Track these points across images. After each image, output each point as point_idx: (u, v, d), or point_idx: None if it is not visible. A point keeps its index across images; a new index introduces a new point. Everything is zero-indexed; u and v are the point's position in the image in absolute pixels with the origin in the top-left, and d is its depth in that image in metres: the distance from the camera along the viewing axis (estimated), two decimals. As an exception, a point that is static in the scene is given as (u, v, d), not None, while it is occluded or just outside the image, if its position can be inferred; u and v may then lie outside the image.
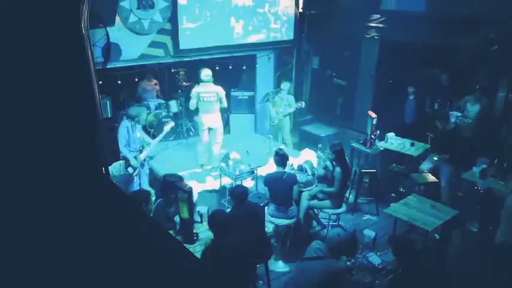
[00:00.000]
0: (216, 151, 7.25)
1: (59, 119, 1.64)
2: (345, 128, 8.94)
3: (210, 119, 7.10)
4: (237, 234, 4.04)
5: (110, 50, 4.37)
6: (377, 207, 6.67)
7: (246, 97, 9.04)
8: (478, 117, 7.02)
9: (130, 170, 6.05)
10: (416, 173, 6.53)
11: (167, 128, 6.66)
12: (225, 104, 7.26)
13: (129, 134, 6.05)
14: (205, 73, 7.00)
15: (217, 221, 3.98)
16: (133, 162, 6.05)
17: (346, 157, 6.07)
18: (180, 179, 5.02)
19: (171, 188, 4.71)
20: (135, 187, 6.34)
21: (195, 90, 7.06)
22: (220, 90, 7.07)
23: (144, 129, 7.17)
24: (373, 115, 7.07)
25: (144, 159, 6.31)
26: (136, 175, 6.20)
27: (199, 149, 7.32)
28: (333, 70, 9.35)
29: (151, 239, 1.70)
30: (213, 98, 6.99)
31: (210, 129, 7.17)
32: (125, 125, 6.03)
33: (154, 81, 8.48)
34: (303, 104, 8.10)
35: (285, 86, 7.98)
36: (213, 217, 4.03)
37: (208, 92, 7.00)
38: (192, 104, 7.08)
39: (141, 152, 6.20)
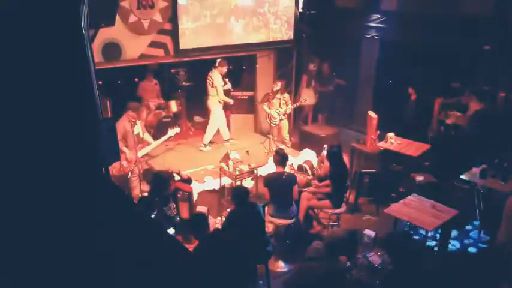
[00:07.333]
0: (209, 132, 7.83)
1: (59, 119, 1.64)
2: (345, 128, 8.94)
3: (207, 101, 7.76)
4: (238, 234, 4.05)
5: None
6: (377, 207, 6.66)
7: (246, 97, 9.05)
8: (476, 116, 6.99)
9: (124, 163, 6.10)
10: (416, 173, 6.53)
11: (172, 132, 6.70)
12: (221, 97, 7.62)
13: (126, 130, 6.12)
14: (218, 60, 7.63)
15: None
16: (129, 155, 6.09)
17: (342, 157, 6.05)
18: (172, 175, 5.05)
19: (166, 184, 4.73)
20: (136, 187, 6.36)
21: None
22: (216, 78, 7.52)
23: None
24: (373, 115, 7.06)
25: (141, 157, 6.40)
26: (131, 169, 6.23)
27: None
28: (333, 70, 9.35)
29: (151, 239, 1.70)
30: (209, 83, 7.61)
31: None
32: (124, 119, 6.16)
33: (154, 81, 8.48)
34: (306, 100, 8.11)
35: (278, 86, 8.01)
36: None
37: (209, 76, 7.62)
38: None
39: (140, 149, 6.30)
